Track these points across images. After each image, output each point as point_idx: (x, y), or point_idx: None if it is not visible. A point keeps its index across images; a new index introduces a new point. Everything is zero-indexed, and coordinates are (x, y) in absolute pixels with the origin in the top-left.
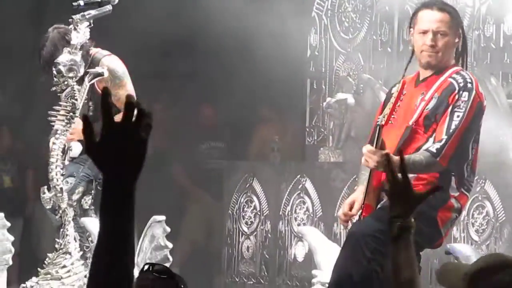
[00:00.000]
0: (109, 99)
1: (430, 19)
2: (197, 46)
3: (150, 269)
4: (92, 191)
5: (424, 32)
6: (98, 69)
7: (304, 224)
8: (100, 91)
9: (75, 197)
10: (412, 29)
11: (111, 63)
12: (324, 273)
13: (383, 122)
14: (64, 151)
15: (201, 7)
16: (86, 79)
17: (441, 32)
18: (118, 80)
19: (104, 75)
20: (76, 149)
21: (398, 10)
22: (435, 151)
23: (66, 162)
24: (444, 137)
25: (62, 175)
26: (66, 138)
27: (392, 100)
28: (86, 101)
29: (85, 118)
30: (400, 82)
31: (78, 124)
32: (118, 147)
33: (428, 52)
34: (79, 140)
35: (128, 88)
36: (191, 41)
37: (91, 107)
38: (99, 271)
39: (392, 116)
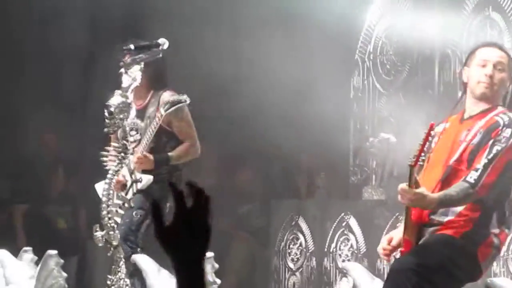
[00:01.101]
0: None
1: (491, 54)
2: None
3: None
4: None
5: (484, 65)
6: (175, 99)
7: (348, 260)
8: (162, 124)
9: (143, 228)
10: (467, 67)
11: (172, 96)
12: None
13: (412, 162)
14: (120, 188)
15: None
16: (162, 109)
17: (500, 67)
18: (180, 113)
19: (185, 102)
20: (145, 181)
21: (439, 53)
22: (472, 181)
23: (130, 196)
24: (480, 167)
25: (122, 208)
26: (117, 178)
27: (421, 141)
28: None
29: (154, 204)
30: (444, 121)
31: (147, 157)
32: (187, 233)
33: (486, 83)
34: (145, 172)
35: (188, 119)
36: (236, 87)
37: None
38: None
39: (427, 154)
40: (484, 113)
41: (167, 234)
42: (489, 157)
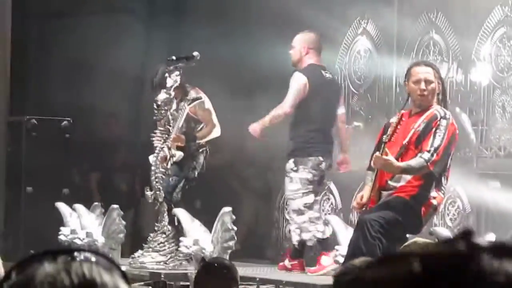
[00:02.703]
0: None
1: (421, 71)
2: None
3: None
4: (180, 187)
5: (418, 81)
6: (195, 96)
7: (329, 213)
8: (190, 114)
9: (177, 190)
10: (407, 82)
11: (194, 94)
12: (343, 247)
13: (386, 140)
14: (163, 160)
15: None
16: (186, 104)
17: (429, 80)
18: (202, 105)
19: (202, 99)
20: (177, 155)
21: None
22: (427, 158)
23: (169, 166)
24: (431, 149)
25: (165, 175)
26: (163, 153)
27: (393, 125)
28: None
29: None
30: (397, 115)
31: (179, 136)
32: None
33: (421, 97)
34: (178, 148)
35: (208, 107)
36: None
37: (183, 126)
38: None
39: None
40: (424, 110)
41: None
42: (437, 142)
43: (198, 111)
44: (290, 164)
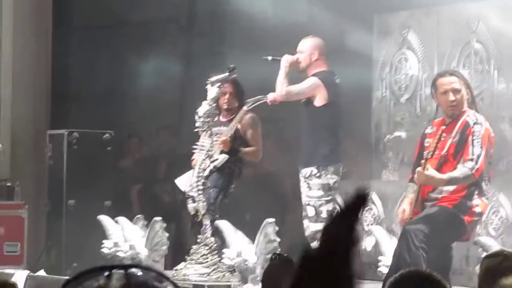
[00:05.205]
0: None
1: (447, 82)
2: None
3: (277, 257)
4: (220, 198)
5: (445, 92)
6: (259, 97)
7: (372, 224)
8: (239, 130)
9: (217, 203)
10: (435, 93)
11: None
12: (387, 258)
13: (429, 156)
14: (206, 167)
15: None
16: (245, 106)
17: (456, 90)
18: (254, 124)
19: (265, 100)
20: (221, 158)
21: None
22: (471, 167)
23: (206, 173)
24: (473, 157)
25: (206, 187)
26: (203, 165)
27: (434, 142)
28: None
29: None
30: (432, 124)
31: (225, 137)
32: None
33: (451, 107)
34: (223, 152)
35: (259, 130)
36: None
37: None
38: None
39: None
40: (456, 119)
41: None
42: (476, 150)
43: (249, 130)
44: (313, 170)
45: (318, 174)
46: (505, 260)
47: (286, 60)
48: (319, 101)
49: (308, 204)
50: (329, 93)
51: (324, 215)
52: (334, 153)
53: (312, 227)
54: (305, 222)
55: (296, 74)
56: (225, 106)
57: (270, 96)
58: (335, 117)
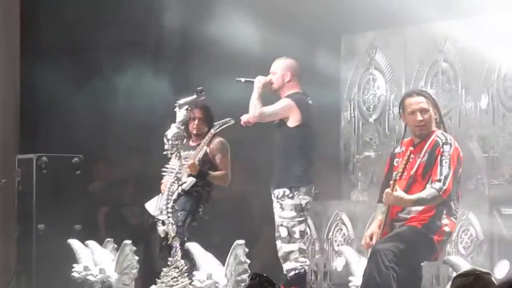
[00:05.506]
0: None
1: (414, 102)
2: None
3: (257, 278)
4: (188, 221)
5: (413, 112)
6: (226, 120)
7: (342, 244)
8: (209, 153)
9: (186, 224)
10: (402, 113)
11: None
12: (357, 278)
13: (397, 177)
14: (175, 190)
15: None
16: (213, 129)
17: (424, 109)
18: (224, 149)
19: (232, 123)
20: (188, 181)
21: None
22: (438, 188)
23: (175, 196)
24: (441, 178)
25: (174, 211)
26: (172, 188)
27: (403, 163)
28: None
29: None
30: (401, 144)
31: (193, 161)
32: None
33: (419, 127)
34: (191, 175)
35: (228, 155)
36: None
37: (200, 160)
38: None
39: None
40: (425, 140)
41: None
42: (444, 171)
43: (218, 154)
44: (285, 190)
45: (290, 195)
46: (477, 279)
47: (259, 81)
48: (292, 122)
49: (281, 225)
50: (302, 114)
51: (297, 235)
52: (306, 173)
53: (285, 248)
54: (278, 243)
55: (269, 95)
56: (194, 132)
57: (244, 118)
58: (308, 138)
